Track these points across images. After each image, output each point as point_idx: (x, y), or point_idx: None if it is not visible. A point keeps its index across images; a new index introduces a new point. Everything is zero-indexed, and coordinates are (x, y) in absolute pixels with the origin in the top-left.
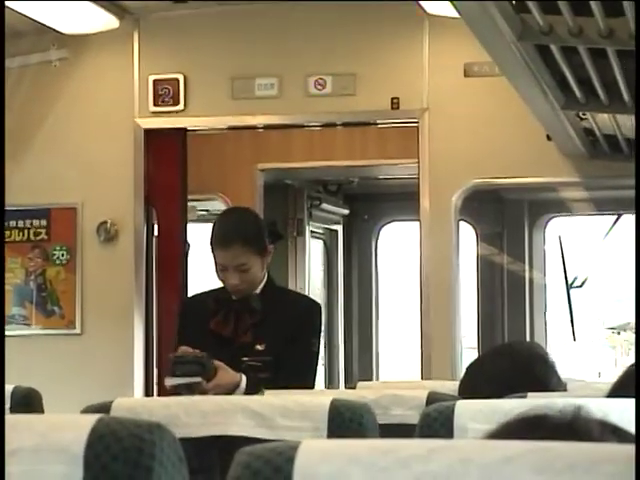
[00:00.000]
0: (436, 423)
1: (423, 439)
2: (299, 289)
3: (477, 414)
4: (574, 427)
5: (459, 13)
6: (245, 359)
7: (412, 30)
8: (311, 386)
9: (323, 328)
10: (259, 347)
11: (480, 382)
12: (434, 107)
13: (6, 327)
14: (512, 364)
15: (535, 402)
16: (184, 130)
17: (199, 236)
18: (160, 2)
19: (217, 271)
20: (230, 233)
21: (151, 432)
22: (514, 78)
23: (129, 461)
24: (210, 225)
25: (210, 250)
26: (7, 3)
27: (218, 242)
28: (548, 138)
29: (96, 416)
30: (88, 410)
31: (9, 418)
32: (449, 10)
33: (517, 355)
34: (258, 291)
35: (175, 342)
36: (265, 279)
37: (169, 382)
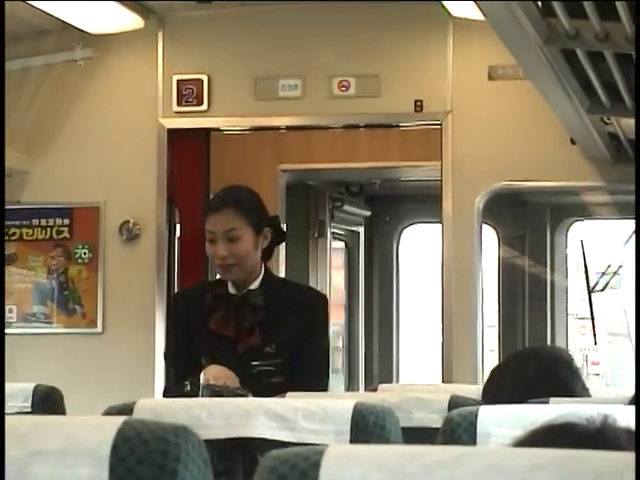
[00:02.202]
0: (459, 428)
1: (448, 446)
2: (320, 290)
3: (500, 420)
4: (602, 436)
5: (484, 15)
6: (255, 363)
7: (436, 32)
8: (326, 388)
9: (343, 328)
10: (269, 349)
11: (504, 387)
12: (457, 110)
13: (27, 325)
14: (537, 369)
15: (559, 408)
16: (207, 130)
17: None
18: (185, 2)
19: (207, 246)
20: (224, 197)
21: (177, 435)
22: (539, 81)
23: (154, 464)
24: None
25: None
26: (33, 2)
27: (210, 208)
28: (572, 142)
29: (121, 418)
30: (111, 411)
31: (33, 419)
32: (474, 12)
33: (542, 360)
34: (257, 285)
35: (170, 342)
36: (263, 272)
37: None
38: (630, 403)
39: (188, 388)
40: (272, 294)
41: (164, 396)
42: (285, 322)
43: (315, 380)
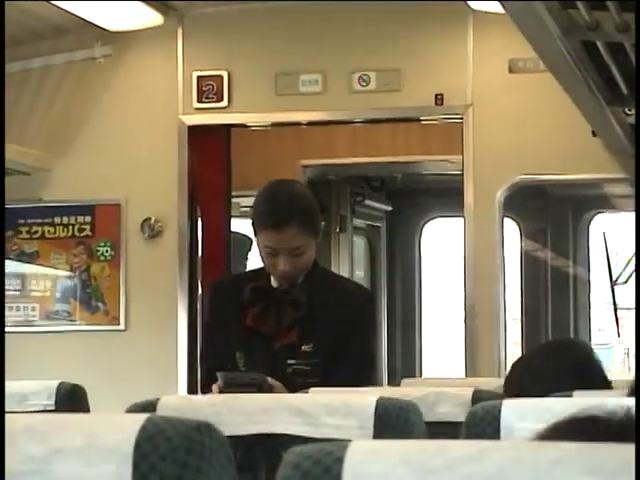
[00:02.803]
0: (483, 422)
1: (472, 440)
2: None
3: (524, 413)
4: (626, 428)
5: (504, 8)
6: (291, 362)
7: (456, 26)
8: None
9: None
10: (306, 348)
11: (527, 380)
12: (478, 103)
13: (50, 323)
14: (560, 363)
15: (582, 401)
16: (228, 126)
17: (242, 232)
18: None
19: (262, 255)
20: (285, 212)
21: (200, 431)
22: (559, 74)
23: (178, 461)
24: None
25: (253, 232)
26: (52, 0)
27: (268, 222)
28: (593, 134)
29: (144, 416)
30: (134, 408)
31: (56, 417)
32: (493, 5)
33: (565, 353)
34: (301, 279)
35: (205, 335)
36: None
37: None
38: (630, 394)
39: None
40: (316, 289)
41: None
42: (326, 320)
43: (352, 383)
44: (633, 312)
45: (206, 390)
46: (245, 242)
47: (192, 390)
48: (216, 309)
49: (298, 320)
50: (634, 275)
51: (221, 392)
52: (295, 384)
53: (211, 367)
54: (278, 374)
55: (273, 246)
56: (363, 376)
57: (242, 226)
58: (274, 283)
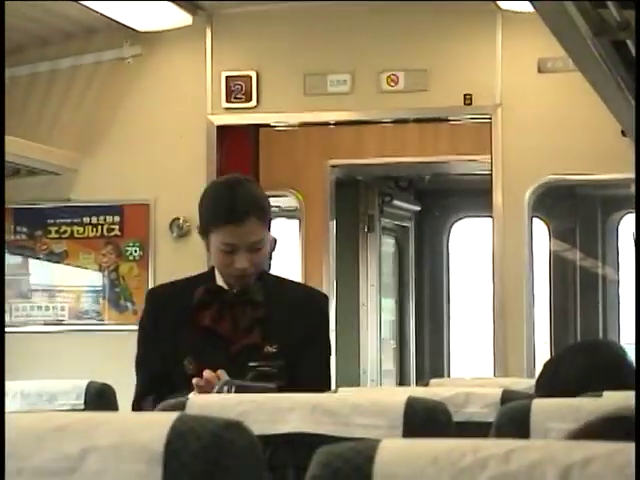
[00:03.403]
0: (512, 422)
1: (502, 439)
2: (370, 286)
3: (554, 413)
4: None
5: (534, 8)
6: (253, 364)
7: (485, 25)
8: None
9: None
10: (270, 349)
11: (557, 380)
12: (507, 103)
13: (79, 322)
14: (591, 363)
15: (612, 402)
16: (256, 126)
17: (270, 232)
18: None
19: (216, 255)
20: (244, 205)
21: (230, 430)
22: (589, 73)
23: (208, 459)
24: (284, 221)
25: (202, 230)
26: (81, 1)
27: (226, 217)
28: (623, 134)
29: (175, 414)
30: (164, 407)
31: (87, 415)
32: (522, 5)
33: (596, 354)
34: (253, 282)
35: (142, 344)
36: None
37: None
38: None
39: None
40: (271, 290)
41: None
42: (287, 320)
43: (318, 386)
44: None
45: (141, 405)
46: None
47: None
48: (157, 315)
49: (258, 320)
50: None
51: None
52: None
53: (150, 377)
54: (236, 378)
55: (232, 242)
56: (326, 380)
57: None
58: (223, 285)
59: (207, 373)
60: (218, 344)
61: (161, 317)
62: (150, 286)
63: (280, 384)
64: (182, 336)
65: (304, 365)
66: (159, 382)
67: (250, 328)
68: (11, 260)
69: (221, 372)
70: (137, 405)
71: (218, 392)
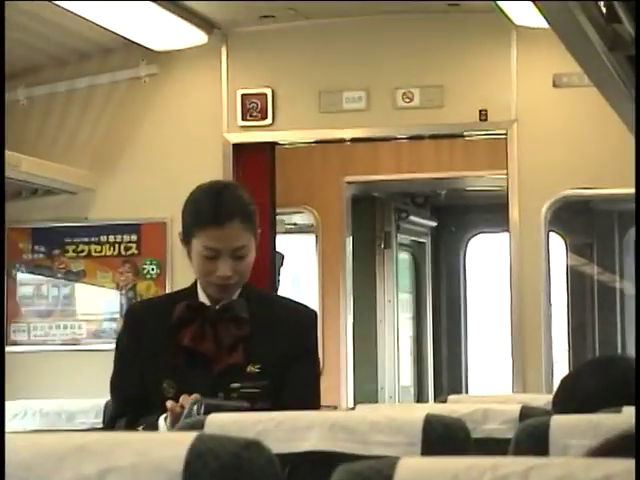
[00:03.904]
0: (531, 438)
1: (521, 457)
2: (387, 302)
3: (573, 429)
4: None
5: (549, 23)
6: (235, 385)
7: (500, 41)
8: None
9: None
10: (252, 369)
11: (575, 397)
12: (523, 118)
13: (97, 341)
14: (609, 378)
15: (632, 417)
16: (272, 144)
17: (287, 249)
18: (248, 17)
19: (197, 262)
20: (228, 207)
21: (249, 450)
22: (604, 88)
23: (227, 479)
24: (300, 237)
25: (184, 235)
26: (96, 20)
27: (209, 219)
28: None
29: (194, 434)
30: (183, 426)
31: (107, 435)
32: (537, 21)
33: (614, 369)
34: (236, 295)
35: (118, 365)
36: None
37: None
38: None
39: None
40: (256, 305)
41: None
42: (272, 338)
43: (304, 406)
44: None
45: (115, 428)
46: (276, 258)
47: None
48: (135, 334)
49: (242, 338)
50: None
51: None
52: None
53: (125, 399)
54: (221, 399)
55: (214, 246)
56: (312, 400)
57: (288, 243)
58: (205, 301)
59: (183, 399)
60: (200, 364)
61: (139, 336)
62: None
63: (263, 406)
64: (161, 357)
65: (290, 385)
66: (134, 404)
67: (234, 346)
68: (30, 280)
69: (196, 396)
70: (110, 425)
71: (187, 414)
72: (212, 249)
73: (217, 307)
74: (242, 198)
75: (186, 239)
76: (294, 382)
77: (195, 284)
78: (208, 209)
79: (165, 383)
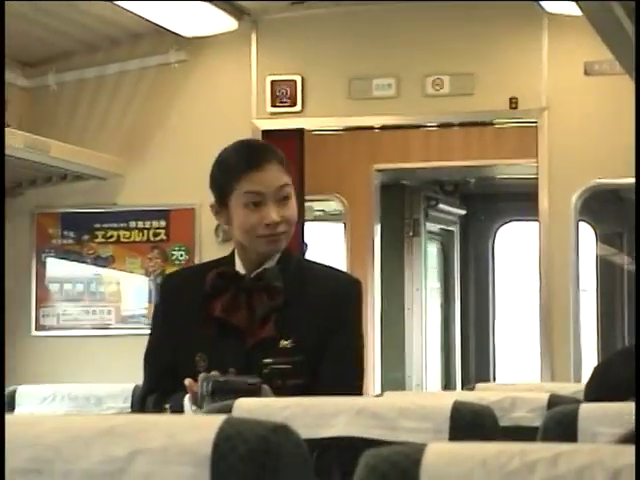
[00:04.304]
0: (560, 426)
1: (550, 443)
2: (415, 290)
3: (602, 418)
4: None
5: (582, 11)
6: (267, 361)
7: (531, 29)
8: (360, 392)
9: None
10: (285, 343)
11: (606, 386)
12: (553, 106)
13: (126, 326)
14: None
15: None
16: (301, 131)
17: (315, 236)
18: (278, 3)
19: (240, 215)
20: (262, 151)
21: (277, 434)
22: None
23: (255, 462)
24: (329, 225)
25: (220, 196)
26: (126, 5)
27: (247, 165)
28: None
29: (222, 417)
30: (210, 411)
31: (135, 417)
32: (569, 8)
33: None
34: (274, 263)
35: (153, 338)
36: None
37: (200, 409)
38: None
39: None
40: (293, 274)
41: (143, 409)
42: (308, 310)
43: (346, 384)
44: None
45: (146, 402)
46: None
47: None
48: (168, 305)
49: (275, 310)
50: None
51: (201, 399)
52: (273, 386)
53: (158, 373)
54: (254, 375)
55: (258, 189)
56: (353, 376)
57: (316, 230)
58: (241, 269)
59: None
60: (232, 337)
61: (172, 307)
62: None
63: (298, 382)
64: (193, 328)
65: (327, 360)
66: (165, 378)
67: (266, 319)
68: (59, 265)
69: (204, 374)
70: (141, 402)
71: (201, 393)
72: (256, 193)
73: (250, 275)
74: (271, 145)
75: (223, 200)
76: (331, 357)
77: (233, 253)
78: (244, 156)
79: (197, 356)
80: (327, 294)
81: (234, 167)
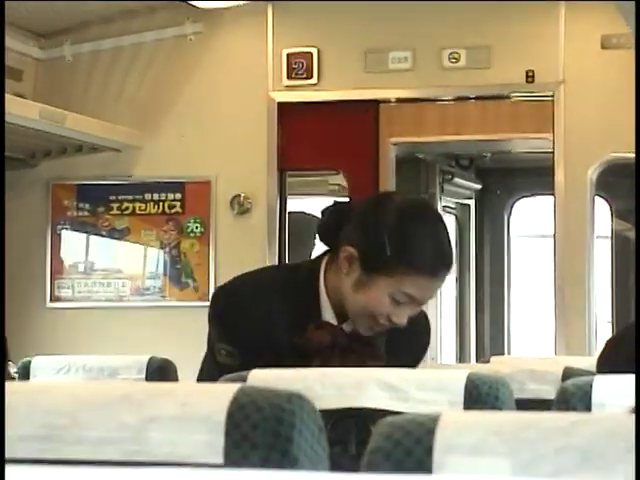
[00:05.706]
0: (574, 398)
1: (564, 412)
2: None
3: (616, 390)
4: None
5: None
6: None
7: (548, 2)
8: None
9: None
10: None
11: (619, 358)
12: (570, 80)
13: (141, 299)
14: None
15: None
16: (317, 103)
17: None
18: None
19: (373, 300)
20: (451, 257)
21: (291, 402)
22: None
23: (269, 430)
24: (342, 198)
25: (372, 266)
26: None
27: (434, 268)
28: None
29: (236, 385)
30: (224, 381)
31: (149, 385)
32: None
33: None
34: None
35: (206, 368)
36: None
37: None
38: None
39: None
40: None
41: None
42: (398, 359)
43: None
44: None
45: None
46: (312, 222)
47: None
48: (236, 336)
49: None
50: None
51: None
52: None
53: None
54: None
55: (415, 295)
56: None
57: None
58: (332, 320)
59: None
60: None
61: (241, 341)
62: (210, 263)
63: None
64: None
65: None
66: None
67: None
68: (74, 237)
69: None
70: None
71: None
72: (410, 297)
73: (348, 331)
74: (451, 242)
75: (373, 266)
76: None
77: (312, 278)
78: (434, 257)
79: None
80: (412, 346)
81: (420, 260)
